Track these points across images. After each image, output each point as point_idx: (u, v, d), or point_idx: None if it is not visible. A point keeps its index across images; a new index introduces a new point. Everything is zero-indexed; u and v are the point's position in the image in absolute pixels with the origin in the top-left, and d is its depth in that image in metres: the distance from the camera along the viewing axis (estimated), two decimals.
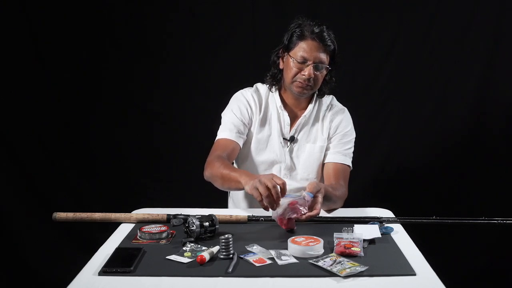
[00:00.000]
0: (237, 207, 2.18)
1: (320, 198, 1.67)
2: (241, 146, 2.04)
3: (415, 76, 2.98)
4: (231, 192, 2.24)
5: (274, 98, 2.08)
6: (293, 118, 2.08)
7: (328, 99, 2.13)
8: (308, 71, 1.92)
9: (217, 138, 2.04)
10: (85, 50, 2.94)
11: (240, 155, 2.08)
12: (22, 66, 2.93)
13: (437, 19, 2.92)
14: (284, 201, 1.62)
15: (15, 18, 2.87)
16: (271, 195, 1.57)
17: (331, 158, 2.07)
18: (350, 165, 2.08)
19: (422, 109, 3.02)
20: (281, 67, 2.04)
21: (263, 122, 2.07)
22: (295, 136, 2.07)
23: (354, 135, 2.13)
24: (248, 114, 2.05)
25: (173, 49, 2.98)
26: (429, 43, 2.95)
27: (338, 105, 2.14)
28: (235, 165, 2.16)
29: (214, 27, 2.96)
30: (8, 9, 2.86)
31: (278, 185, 1.59)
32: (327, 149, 2.09)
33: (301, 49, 1.93)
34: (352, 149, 2.11)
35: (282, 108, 2.06)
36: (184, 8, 2.94)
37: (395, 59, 2.97)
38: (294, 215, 1.61)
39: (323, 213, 1.77)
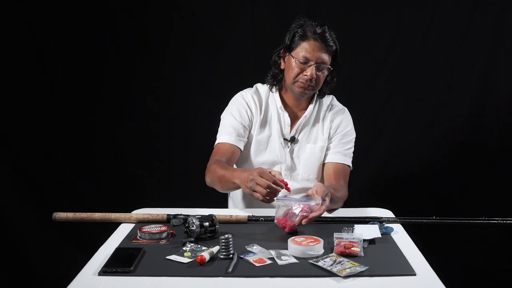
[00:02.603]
0: (237, 207, 2.18)
1: (327, 202, 1.66)
2: (242, 149, 2.04)
3: (415, 76, 2.98)
4: (231, 192, 2.24)
5: (274, 99, 2.08)
6: (294, 119, 2.08)
7: (328, 99, 2.13)
8: (310, 71, 1.92)
9: (216, 142, 2.04)
10: (85, 50, 2.93)
11: (240, 156, 2.08)
12: (22, 66, 2.93)
13: (437, 19, 2.92)
14: (287, 204, 1.62)
15: (15, 18, 2.86)
16: (271, 192, 1.60)
17: (331, 158, 2.07)
18: (350, 165, 2.09)
19: (422, 110, 3.02)
20: (282, 67, 2.03)
21: (263, 123, 2.07)
22: (296, 136, 2.07)
23: (354, 135, 2.13)
24: (248, 116, 2.05)
25: (173, 49, 2.98)
26: (429, 43, 2.95)
27: (338, 105, 2.14)
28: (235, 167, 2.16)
29: (214, 27, 2.96)
30: (8, 9, 2.86)
31: (273, 178, 1.60)
32: (327, 149, 2.09)
33: (303, 49, 1.93)
34: (352, 149, 2.11)
35: (283, 108, 2.06)
36: (184, 8, 2.94)
37: (395, 59, 2.97)
38: (300, 218, 1.61)
39: (323, 213, 1.76)
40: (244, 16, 2.95)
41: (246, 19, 2.94)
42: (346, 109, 2.15)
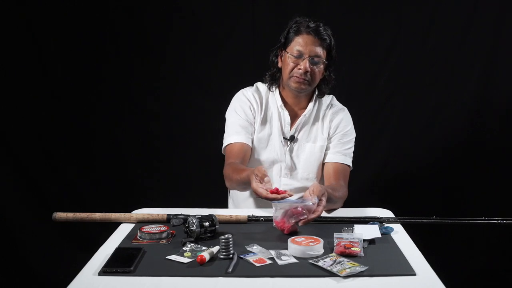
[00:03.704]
0: (237, 207, 2.18)
1: (324, 202, 1.66)
2: (251, 146, 2.04)
3: (415, 76, 2.98)
4: (231, 192, 2.24)
5: (274, 97, 2.08)
6: (293, 117, 2.08)
7: (328, 98, 2.13)
8: (303, 64, 1.94)
9: (226, 144, 2.04)
10: (85, 50, 2.93)
11: None
12: (22, 66, 2.93)
13: (437, 19, 2.92)
14: (284, 206, 1.62)
15: (15, 18, 2.86)
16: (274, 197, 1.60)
17: (331, 158, 2.07)
18: (350, 165, 2.09)
19: (422, 110, 3.02)
20: (279, 65, 2.04)
21: (264, 121, 2.08)
22: (295, 135, 2.07)
23: (354, 134, 2.13)
24: (252, 112, 2.06)
25: (173, 49, 2.98)
26: (429, 43, 2.95)
27: (338, 104, 2.15)
28: None
29: (214, 27, 2.96)
30: (8, 9, 2.86)
31: (267, 194, 1.59)
32: (327, 148, 2.09)
33: (297, 43, 1.95)
34: (352, 149, 2.11)
35: (283, 107, 2.06)
36: (184, 8, 2.94)
37: (395, 59, 2.96)
38: (297, 219, 1.61)
39: (323, 213, 1.76)
40: (244, 16, 2.95)
41: (246, 19, 2.94)
42: (345, 108, 2.15)
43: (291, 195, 1.60)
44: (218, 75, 2.97)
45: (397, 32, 2.95)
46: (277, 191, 1.60)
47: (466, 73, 2.97)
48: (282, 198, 1.59)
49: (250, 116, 2.05)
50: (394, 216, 1.85)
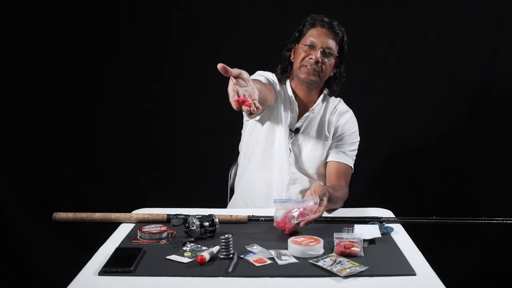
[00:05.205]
0: (237, 207, 2.18)
1: (325, 202, 1.67)
2: (274, 92, 2.00)
3: (415, 76, 2.98)
4: (236, 188, 2.24)
5: (286, 88, 2.09)
6: (302, 111, 2.09)
7: (336, 100, 2.16)
8: (315, 54, 1.96)
9: None
10: (85, 50, 2.93)
11: (251, 136, 2.10)
12: (22, 66, 2.92)
13: (437, 19, 2.92)
14: (287, 206, 1.63)
15: (16, 18, 2.87)
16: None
17: (334, 157, 2.08)
18: (352, 166, 2.10)
19: (422, 110, 3.02)
20: (292, 59, 2.06)
21: (276, 106, 2.07)
22: (301, 128, 2.08)
23: (358, 138, 2.15)
24: (271, 81, 2.04)
25: (173, 49, 2.97)
26: (429, 43, 2.95)
27: (345, 107, 2.17)
28: (245, 148, 2.18)
29: (214, 27, 2.96)
30: (9, 9, 2.86)
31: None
32: (330, 148, 2.10)
33: (311, 35, 1.99)
34: (356, 152, 2.13)
35: (293, 98, 2.07)
36: (184, 8, 2.94)
37: (395, 59, 2.96)
38: (299, 220, 1.61)
39: (323, 213, 1.77)
40: (244, 16, 2.94)
41: (246, 19, 2.94)
42: (352, 112, 2.17)
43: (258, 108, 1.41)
44: (218, 75, 2.95)
45: (397, 32, 2.95)
46: (243, 101, 1.44)
47: (466, 73, 2.97)
48: (243, 102, 1.44)
49: (271, 81, 2.03)
50: (394, 216, 1.85)
